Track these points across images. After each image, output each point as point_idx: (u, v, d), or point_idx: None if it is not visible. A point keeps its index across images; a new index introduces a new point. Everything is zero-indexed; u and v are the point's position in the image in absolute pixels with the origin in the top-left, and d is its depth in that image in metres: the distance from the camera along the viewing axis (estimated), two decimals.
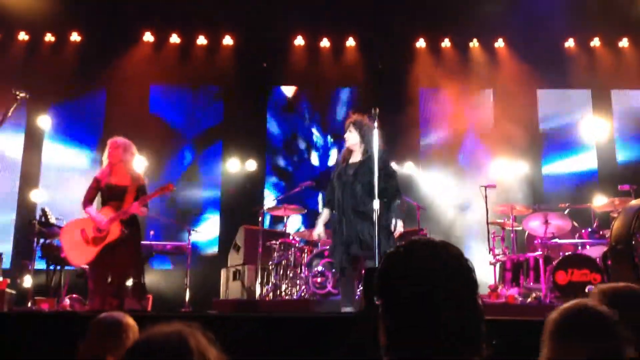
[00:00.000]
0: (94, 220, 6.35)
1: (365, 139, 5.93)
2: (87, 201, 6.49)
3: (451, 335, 1.67)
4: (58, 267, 8.33)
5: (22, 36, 10.96)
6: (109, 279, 6.26)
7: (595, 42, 11.20)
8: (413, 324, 1.69)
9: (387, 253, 1.84)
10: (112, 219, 6.32)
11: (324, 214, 6.23)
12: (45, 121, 10.80)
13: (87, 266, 6.54)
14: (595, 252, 7.76)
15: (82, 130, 10.97)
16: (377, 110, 5.81)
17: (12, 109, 5.88)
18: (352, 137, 6.04)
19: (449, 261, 1.75)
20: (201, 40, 11.07)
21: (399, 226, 5.78)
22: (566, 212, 8.36)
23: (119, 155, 6.53)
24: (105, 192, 6.51)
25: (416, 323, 1.69)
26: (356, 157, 6.07)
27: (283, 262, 8.47)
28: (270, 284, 8.50)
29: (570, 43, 11.18)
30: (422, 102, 11.38)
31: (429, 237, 1.85)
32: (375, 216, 5.33)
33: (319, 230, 6.22)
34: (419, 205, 9.09)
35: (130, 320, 3.04)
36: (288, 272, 8.41)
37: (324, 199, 6.42)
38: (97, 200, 6.65)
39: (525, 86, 10.92)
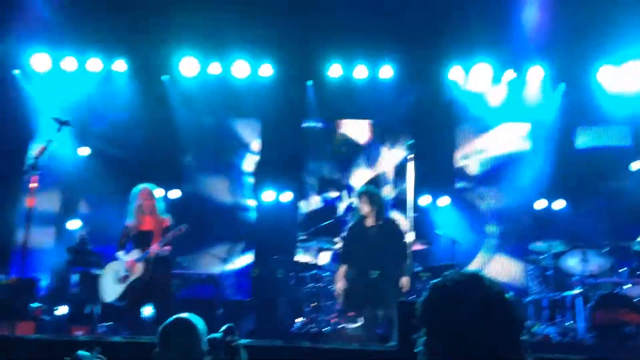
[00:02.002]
0: (123, 262, 7.21)
1: (377, 207, 6.85)
2: (119, 246, 7.37)
3: None
4: (94, 296, 8.41)
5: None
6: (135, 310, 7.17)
7: None
8: (457, 356, 1.67)
9: (433, 283, 1.83)
10: (137, 259, 7.13)
11: (342, 269, 6.99)
12: (84, 150, 11.00)
13: (117, 302, 7.25)
14: (635, 291, 7.57)
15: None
16: (413, 142, 5.97)
17: (55, 136, 6.03)
18: (364, 207, 6.86)
19: (493, 299, 1.74)
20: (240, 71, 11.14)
21: (406, 283, 6.59)
22: (605, 250, 8.17)
23: (144, 203, 7.31)
24: (135, 237, 7.30)
25: (460, 356, 1.67)
26: (370, 222, 6.90)
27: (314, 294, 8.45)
28: (304, 316, 8.45)
29: None
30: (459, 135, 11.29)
31: (475, 272, 1.82)
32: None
33: (340, 286, 6.98)
34: (453, 239, 9.00)
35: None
36: (320, 304, 8.36)
37: (341, 255, 7.16)
38: None
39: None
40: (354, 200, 7.34)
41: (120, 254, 7.26)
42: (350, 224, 7.64)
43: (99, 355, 3.33)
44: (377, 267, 6.71)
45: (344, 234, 7.42)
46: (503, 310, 1.73)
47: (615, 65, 10.60)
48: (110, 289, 7.22)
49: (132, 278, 7.13)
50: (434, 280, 1.84)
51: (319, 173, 11.38)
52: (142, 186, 7.49)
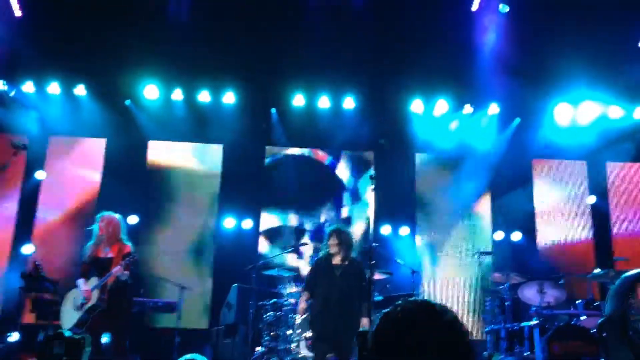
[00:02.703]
0: (81, 289, 7.14)
1: (345, 247, 7.03)
2: (81, 274, 7.32)
3: None
4: (47, 321, 8.21)
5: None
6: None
7: None
8: None
9: (384, 313, 1.82)
10: (93, 287, 7.07)
11: (305, 295, 7.21)
12: (41, 174, 10.83)
13: (75, 329, 7.00)
14: (590, 323, 7.69)
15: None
16: (374, 174, 6.13)
17: (10, 160, 5.94)
18: (333, 245, 7.04)
19: (445, 325, 1.73)
20: (203, 97, 11.14)
21: (366, 324, 6.73)
22: (561, 282, 8.32)
23: (104, 229, 7.34)
24: (94, 264, 7.26)
25: None
26: (336, 260, 7.07)
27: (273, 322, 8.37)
28: (263, 345, 8.37)
29: None
30: (418, 166, 11.44)
31: (427, 300, 1.82)
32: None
33: (303, 307, 7.25)
34: (412, 269, 9.05)
35: None
36: (279, 333, 8.29)
37: (306, 284, 7.30)
38: None
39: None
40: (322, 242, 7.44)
41: (80, 281, 7.19)
42: (317, 257, 7.71)
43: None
44: (340, 304, 6.88)
45: (311, 264, 7.57)
46: (454, 337, 1.73)
47: (572, 104, 10.91)
48: (69, 316, 7.14)
49: (88, 305, 7.06)
50: (385, 310, 1.84)
51: (283, 200, 11.37)
52: (104, 213, 7.54)
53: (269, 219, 11.27)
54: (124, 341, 7.25)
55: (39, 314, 8.29)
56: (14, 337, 8.61)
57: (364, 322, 6.80)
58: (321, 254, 7.38)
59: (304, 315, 7.48)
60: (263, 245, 11.09)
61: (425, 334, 1.71)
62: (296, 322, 8.00)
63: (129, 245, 7.38)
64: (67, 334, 3.21)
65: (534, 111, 11.02)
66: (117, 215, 7.55)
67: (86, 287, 7.09)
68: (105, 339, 7.19)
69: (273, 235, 11.19)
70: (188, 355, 3.11)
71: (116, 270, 7.05)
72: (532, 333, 7.82)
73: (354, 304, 6.92)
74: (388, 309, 1.82)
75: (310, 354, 7.58)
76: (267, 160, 11.45)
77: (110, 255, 7.27)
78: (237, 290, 9.28)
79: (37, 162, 10.77)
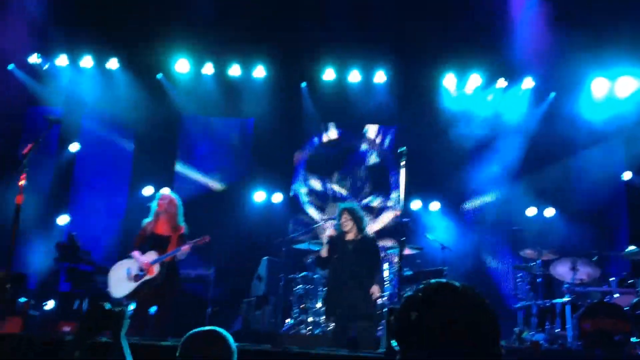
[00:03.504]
0: (138, 261, 7.20)
1: (357, 223, 7.28)
2: (135, 245, 7.41)
3: None
4: (82, 291, 8.40)
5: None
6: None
7: None
8: None
9: (406, 297, 1.80)
10: (154, 260, 7.19)
11: (326, 247, 7.42)
12: (74, 147, 10.98)
13: (125, 300, 7.24)
14: (624, 300, 7.60)
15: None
16: (405, 149, 6.12)
17: (44, 134, 6.03)
18: (345, 223, 7.28)
19: (468, 304, 1.72)
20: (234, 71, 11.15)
21: (376, 291, 7.07)
22: (595, 258, 8.20)
23: (164, 207, 7.42)
24: (150, 239, 7.34)
25: None
26: (350, 236, 7.29)
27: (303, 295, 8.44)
28: (293, 317, 8.45)
29: None
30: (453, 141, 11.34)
31: (448, 282, 1.78)
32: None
33: (326, 250, 7.39)
34: (442, 244, 9.02)
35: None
36: (309, 305, 8.36)
37: (319, 259, 7.50)
38: None
39: None
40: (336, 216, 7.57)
41: (136, 253, 7.26)
42: (331, 235, 7.76)
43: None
44: (353, 278, 7.05)
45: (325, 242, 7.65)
46: (478, 316, 1.70)
47: (609, 79, 10.68)
48: (121, 285, 7.19)
49: (146, 277, 7.14)
50: (408, 293, 1.81)
51: (311, 176, 11.40)
52: (165, 191, 7.69)
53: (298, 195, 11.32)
54: (171, 316, 7.37)
55: (73, 283, 8.46)
56: (50, 305, 8.82)
57: (374, 290, 7.04)
58: (336, 231, 7.55)
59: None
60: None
61: (446, 314, 1.68)
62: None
63: (184, 227, 7.48)
64: (107, 306, 3.25)
65: (569, 85, 10.79)
66: (176, 195, 7.67)
67: (145, 260, 7.18)
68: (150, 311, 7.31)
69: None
70: (206, 327, 3.11)
71: (184, 248, 7.19)
72: (564, 310, 7.74)
73: (366, 276, 7.12)
74: (411, 292, 1.79)
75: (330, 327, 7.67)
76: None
77: (166, 232, 7.36)
78: (267, 263, 9.37)
79: (71, 134, 10.91)
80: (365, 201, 11.27)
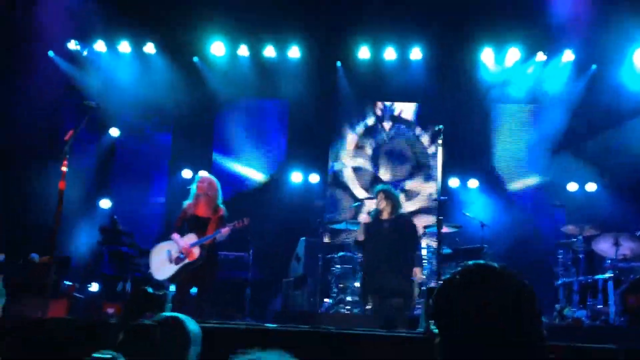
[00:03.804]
0: (178, 244, 7.23)
1: (391, 203, 7.44)
2: (175, 228, 7.48)
3: None
4: (125, 274, 8.57)
5: None
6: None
7: None
8: (471, 357, 1.64)
9: (444, 279, 1.79)
10: (193, 243, 7.21)
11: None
12: (114, 132, 11.15)
13: (167, 282, 7.35)
14: None
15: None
16: (442, 127, 6.08)
17: (85, 120, 6.13)
18: (381, 203, 7.42)
19: (507, 289, 1.69)
20: (269, 52, 11.16)
21: (418, 273, 7.28)
22: (638, 233, 8.04)
23: (204, 190, 7.44)
24: (190, 221, 7.40)
25: (474, 357, 1.64)
26: (386, 215, 7.43)
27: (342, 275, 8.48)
28: (331, 297, 8.50)
29: None
30: (492, 117, 11.20)
31: (486, 264, 1.76)
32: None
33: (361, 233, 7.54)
34: (482, 222, 8.94)
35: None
36: (347, 285, 8.40)
37: (356, 242, 7.77)
38: None
39: None
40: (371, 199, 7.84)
41: (176, 236, 7.32)
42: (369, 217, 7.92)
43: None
44: (389, 257, 7.17)
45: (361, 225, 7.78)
46: (516, 298, 1.68)
47: None
48: (162, 267, 7.28)
49: (186, 261, 7.21)
50: (446, 275, 1.80)
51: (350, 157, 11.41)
52: (204, 174, 7.73)
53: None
54: (211, 298, 7.51)
55: (116, 266, 8.63)
56: (94, 287, 9.02)
57: (416, 272, 7.22)
58: (371, 212, 7.67)
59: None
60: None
61: (484, 296, 1.66)
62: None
63: (223, 209, 7.52)
64: (150, 290, 3.34)
65: (611, 57, 10.52)
66: (214, 178, 7.71)
67: (185, 243, 7.23)
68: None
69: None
70: (167, 314, 3.11)
71: (224, 231, 7.24)
72: (606, 286, 7.64)
73: (402, 255, 7.25)
74: (449, 275, 1.79)
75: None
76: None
77: (206, 215, 7.42)
78: (305, 243, 9.42)
79: (110, 120, 11.06)
80: (403, 180, 11.22)
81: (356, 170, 11.41)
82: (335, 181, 11.38)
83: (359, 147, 11.46)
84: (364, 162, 11.43)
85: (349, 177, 11.39)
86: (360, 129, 11.53)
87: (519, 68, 10.90)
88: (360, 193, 11.11)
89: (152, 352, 2.84)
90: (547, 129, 10.78)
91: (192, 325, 2.99)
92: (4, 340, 4.39)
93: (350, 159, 11.45)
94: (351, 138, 11.50)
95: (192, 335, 2.97)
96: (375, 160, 11.41)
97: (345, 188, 11.34)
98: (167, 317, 3.06)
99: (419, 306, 7.66)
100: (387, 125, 11.51)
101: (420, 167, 11.30)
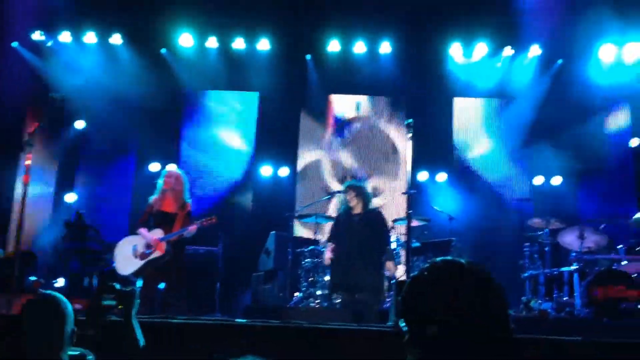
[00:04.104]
0: (146, 238, 7.18)
1: (362, 199, 7.47)
2: (141, 222, 7.41)
3: None
4: (91, 269, 8.46)
5: None
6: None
7: None
8: (439, 353, 1.64)
9: (412, 277, 1.80)
10: (160, 238, 7.15)
11: (330, 246, 7.62)
12: (80, 124, 10.97)
13: (133, 277, 7.25)
14: (632, 268, 7.60)
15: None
16: (412, 121, 6.10)
17: (49, 112, 6.03)
18: (351, 198, 7.45)
19: (475, 285, 1.70)
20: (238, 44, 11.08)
21: (391, 267, 7.34)
22: (602, 226, 8.19)
23: (171, 184, 7.40)
24: (156, 216, 7.34)
25: (443, 353, 1.64)
26: (357, 210, 7.45)
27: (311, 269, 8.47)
28: (301, 291, 8.49)
29: None
30: (457, 112, 11.29)
31: (454, 260, 1.78)
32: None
33: (329, 256, 7.57)
34: (450, 215, 9.02)
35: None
36: (317, 279, 8.40)
37: (330, 236, 7.77)
38: None
39: None
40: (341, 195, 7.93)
41: (143, 230, 7.25)
42: (338, 212, 8.13)
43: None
44: (359, 252, 7.18)
45: (333, 221, 7.92)
46: (484, 294, 1.69)
47: (616, 45, 10.56)
48: (127, 262, 7.20)
49: (153, 256, 7.14)
50: (413, 274, 1.81)
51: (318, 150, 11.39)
52: (171, 168, 7.70)
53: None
54: (182, 293, 7.43)
55: (82, 261, 8.52)
56: (60, 283, 8.89)
57: (389, 266, 7.25)
58: (341, 208, 7.74)
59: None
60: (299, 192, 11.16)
61: (452, 292, 1.68)
62: (326, 263, 8.11)
63: (190, 203, 7.49)
64: (118, 286, 3.30)
65: (577, 52, 10.67)
66: (182, 172, 7.67)
67: (154, 237, 7.16)
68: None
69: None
70: (46, 292, 3.21)
71: (191, 228, 7.18)
72: (572, 278, 7.77)
73: (374, 249, 7.25)
74: (416, 273, 1.79)
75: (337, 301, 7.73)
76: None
77: (172, 210, 7.36)
78: (275, 237, 9.39)
79: (76, 112, 10.88)
80: (371, 174, 11.26)
81: (324, 163, 11.40)
82: (305, 174, 11.35)
83: (327, 140, 11.45)
84: (332, 155, 11.41)
85: (320, 169, 11.37)
86: (329, 122, 11.51)
87: (487, 62, 10.99)
88: (333, 186, 11.10)
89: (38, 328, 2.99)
90: (514, 123, 10.91)
91: (68, 305, 3.14)
92: None
93: (319, 151, 11.43)
94: (320, 131, 11.47)
95: (68, 313, 3.11)
96: (343, 153, 11.41)
97: (316, 181, 11.32)
98: (46, 295, 3.13)
99: (389, 300, 7.70)
100: (355, 118, 11.51)
101: (389, 161, 11.34)
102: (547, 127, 10.73)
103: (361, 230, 7.25)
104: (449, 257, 1.81)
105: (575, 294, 7.63)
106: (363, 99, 11.55)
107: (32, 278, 8.02)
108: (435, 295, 1.69)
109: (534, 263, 8.38)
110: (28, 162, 5.81)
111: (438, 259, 1.80)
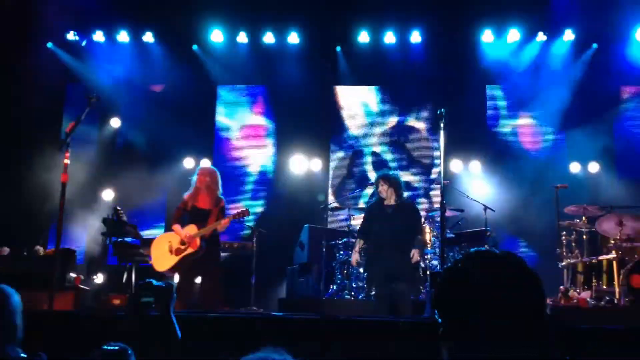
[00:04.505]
0: (180, 234, 7.23)
1: (395, 188, 7.25)
2: (175, 219, 7.47)
3: (517, 355, 1.61)
4: (129, 264, 8.58)
5: None
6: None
7: None
8: (474, 346, 1.64)
9: (446, 268, 1.79)
10: (195, 234, 7.19)
11: (359, 243, 7.43)
12: (116, 122, 11.13)
13: (168, 273, 7.34)
14: None
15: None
16: (444, 111, 6.05)
17: (85, 111, 6.13)
18: (383, 190, 7.26)
19: (510, 275, 1.68)
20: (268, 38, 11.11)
21: (416, 254, 7.07)
22: None
23: (205, 181, 7.44)
24: (190, 213, 7.39)
25: (478, 345, 1.64)
26: (390, 201, 7.26)
27: (346, 261, 8.49)
28: (336, 283, 8.52)
29: None
30: (490, 99, 11.18)
31: (488, 250, 1.76)
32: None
33: (356, 258, 7.41)
34: (485, 205, 8.93)
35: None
36: (352, 271, 8.41)
37: (360, 231, 7.54)
38: None
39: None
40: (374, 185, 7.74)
41: (177, 227, 7.31)
42: (369, 204, 8.00)
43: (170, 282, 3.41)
44: (393, 243, 7.03)
45: (364, 212, 7.73)
46: (520, 284, 1.67)
47: None
48: (163, 259, 7.28)
49: (187, 252, 7.19)
50: (447, 265, 1.80)
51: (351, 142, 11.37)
52: (205, 164, 7.76)
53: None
54: (215, 287, 7.44)
55: (121, 257, 8.64)
56: (100, 278, 9.05)
57: (413, 253, 7.06)
58: (373, 200, 7.60)
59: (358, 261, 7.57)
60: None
61: (487, 284, 1.66)
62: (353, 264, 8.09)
63: (224, 200, 7.55)
64: (155, 282, 3.35)
65: (612, 36, 10.46)
66: (215, 168, 7.73)
67: (187, 234, 7.21)
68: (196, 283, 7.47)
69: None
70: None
71: (224, 222, 7.25)
72: (610, 267, 7.64)
73: (407, 240, 7.11)
74: (450, 264, 1.78)
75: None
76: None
77: (206, 206, 7.43)
78: (309, 230, 9.42)
79: (111, 110, 11.04)
80: (405, 165, 11.20)
81: (365, 154, 11.36)
82: (339, 167, 11.33)
83: (363, 133, 11.40)
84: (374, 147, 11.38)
85: (354, 162, 11.33)
86: (361, 114, 11.47)
87: (520, 49, 10.85)
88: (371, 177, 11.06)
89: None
90: (548, 109, 10.76)
91: (15, 296, 3.10)
92: None
93: (352, 144, 11.40)
94: (354, 124, 11.44)
95: (14, 305, 3.07)
96: (377, 145, 11.36)
97: (351, 173, 11.29)
98: None
99: (425, 291, 7.69)
100: (389, 110, 11.45)
101: (423, 151, 11.25)
102: (583, 113, 10.56)
103: (395, 221, 7.14)
104: (482, 248, 1.79)
105: (614, 283, 7.51)
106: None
107: (73, 275, 8.16)
108: (470, 286, 1.68)
109: (571, 251, 8.26)
110: (66, 161, 5.90)
111: (472, 249, 1.79)
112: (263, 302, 8.95)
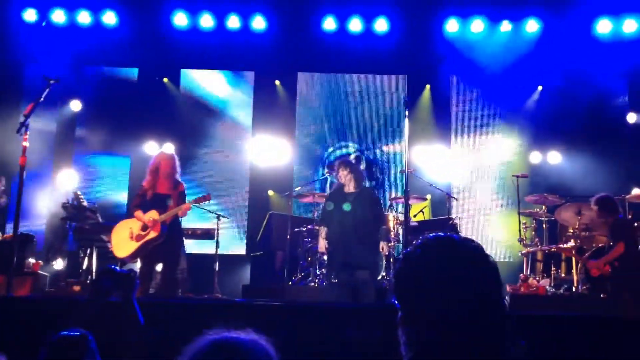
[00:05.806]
0: (142, 219, 7.13)
1: (355, 175, 7.22)
2: (135, 205, 7.39)
3: (474, 341, 1.61)
4: (89, 250, 8.45)
5: None
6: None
7: None
8: (432, 331, 1.64)
9: (403, 254, 1.78)
10: (156, 220, 7.10)
11: (323, 230, 7.33)
12: (75, 104, 10.89)
13: (129, 259, 7.28)
14: None
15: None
16: (407, 99, 6.13)
17: (44, 93, 6.00)
18: (343, 175, 7.22)
19: (468, 261, 1.67)
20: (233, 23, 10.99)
21: (385, 247, 7.24)
22: None
23: (163, 166, 7.33)
24: (151, 199, 7.27)
25: (435, 330, 1.63)
26: (350, 189, 7.23)
27: (310, 249, 8.49)
28: (300, 271, 8.52)
29: None
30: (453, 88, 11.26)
31: (447, 236, 1.74)
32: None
33: (324, 244, 7.28)
34: (449, 195, 9.02)
35: None
36: (316, 258, 8.42)
37: (321, 218, 7.52)
38: None
39: None
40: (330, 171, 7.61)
41: (139, 213, 7.20)
42: (330, 191, 7.97)
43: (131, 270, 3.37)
44: (354, 230, 7.02)
45: (324, 200, 7.71)
46: (477, 270, 1.66)
47: (613, 19, 10.52)
48: (124, 245, 7.20)
49: (148, 237, 7.12)
50: (405, 250, 1.79)
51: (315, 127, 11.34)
52: (162, 149, 7.67)
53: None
54: (176, 273, 7.41)
55: (81, 242, 8.52)
56: (59, 264, 8.90)
57: (383, 246, 7.15)
58: (333, 187, 7.60)
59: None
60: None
61: (445, 269, 1.64)
62: (319, 252, 8.09)
63: (183, 183, 7.47)
64: (117, 269, 3.32)
65: (574, 25, 10.60)
66: (173, 153, 7.62)
67: (149, 219, 7.11)
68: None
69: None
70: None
71: (185, 207, 7.18)
72: (569, 255, 7.79)
73: (369, 228, 7.11)
74: (408, 249, 1.77)
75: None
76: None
77: (166, 191, 7.31)
78: (273, 217, 9.39)
79: (72, 92, 10.81)
80: (371, 152, 11.21)
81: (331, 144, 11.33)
82: (303, 154, 11.30)
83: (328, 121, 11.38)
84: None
85: (319, 150, 11.32)
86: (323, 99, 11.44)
87: (484, 38, 10.92)
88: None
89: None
90: (511, 99, 10.88)
91: None
92: None
93: (315, 131, 11.36)
94: (317, 111, 11.40)
95: None
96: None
97: (313, 161, 11.26)
98: None
99: (387, 278, 7.73)
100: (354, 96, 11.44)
101: (387, 140, 11.27)
102: (545, 104, 10.71)
103: (356, 209, 7.14)
104: (441, 234, 1.78)
105: (573, 271, 7.66)
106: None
107: (31, 260, 8.02)
108: (427, 272, 1.67)
109: (531, 240, 8.40)
110: (25, 143, 5.77)
111: (430, 235, 1.77)
112: (227, 288, 8.92)
